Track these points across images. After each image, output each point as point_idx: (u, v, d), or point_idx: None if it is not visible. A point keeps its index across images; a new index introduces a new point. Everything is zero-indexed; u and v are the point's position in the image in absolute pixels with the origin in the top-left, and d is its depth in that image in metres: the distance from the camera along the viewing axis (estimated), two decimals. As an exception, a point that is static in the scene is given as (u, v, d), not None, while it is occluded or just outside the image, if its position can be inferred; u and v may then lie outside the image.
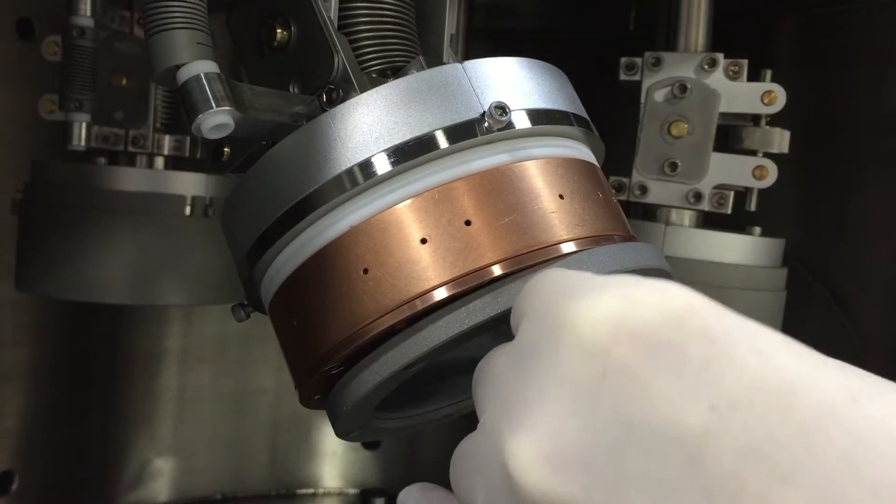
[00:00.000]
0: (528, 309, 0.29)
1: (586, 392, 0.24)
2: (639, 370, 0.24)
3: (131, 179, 0.81)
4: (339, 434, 0.38)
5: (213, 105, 0.35)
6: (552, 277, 0.29)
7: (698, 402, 0.22)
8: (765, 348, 0.23)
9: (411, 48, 0.45)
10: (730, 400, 0.22)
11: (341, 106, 0.36)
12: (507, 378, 0.28)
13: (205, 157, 0.86)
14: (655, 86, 0.77)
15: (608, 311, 0.25)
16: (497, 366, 0.29)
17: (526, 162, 0.36)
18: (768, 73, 0.75)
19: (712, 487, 0.21)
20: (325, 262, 0.35)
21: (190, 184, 0.82)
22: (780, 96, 0.74)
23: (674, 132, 0.76)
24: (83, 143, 0.77)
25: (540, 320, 0.27)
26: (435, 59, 0.47)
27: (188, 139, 0.85)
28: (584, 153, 0.39)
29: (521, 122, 0.36)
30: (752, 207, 0.76)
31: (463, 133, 0.35)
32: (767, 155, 0.76)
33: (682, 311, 0.24)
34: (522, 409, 0.26)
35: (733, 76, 0.75)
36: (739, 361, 0.23)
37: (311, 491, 1.21)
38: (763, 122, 0.76)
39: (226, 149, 0.42)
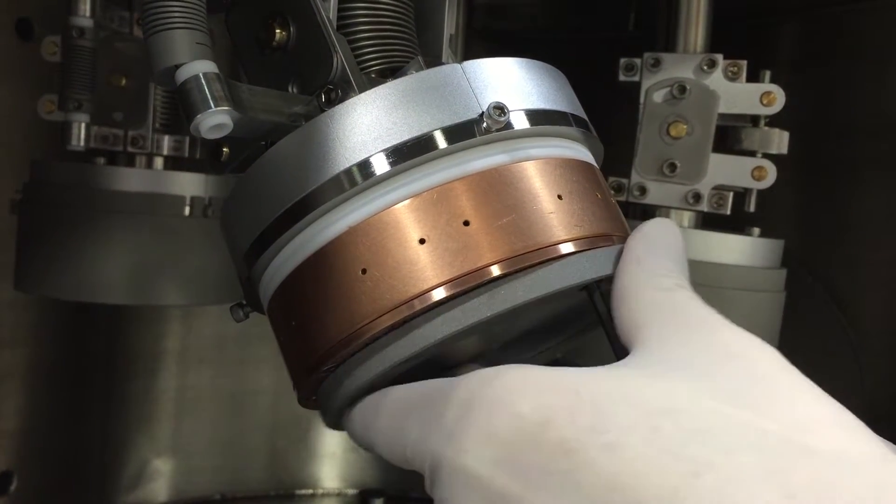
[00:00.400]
0: (414, 449, 0.32)
1: None
2: (517, 494, 0.27)
3: (130, 180, 0.80)
4: (328, 423, 0.38)
5: (212, 105, 0.35)
6: (414, 432, 0.32)
7: None
8: (614, 440, 0.26)
9: (410, 48, 0.45)
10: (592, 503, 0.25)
11: (340, 106, 0.36)
12: None
13: (204, 157, 0.86)
14: (655, 86, 0.77)
15: (485, 452, 0.28)
16: None
17: (524, 162, 0.36)
18: (767, 74, 0.75)
19: None
20: (323, 262, 0.35)
21: (189, 184, 0.82)
22: (779, 97, 0.74)
23: (673, 133, 0.76)
24: (82, 143, 0.77)
25: (434, 464, 0.30)
26: (434, 60, 0.47)
27: (187, 139, 0.85)
28: (583, 154, 0.39)
29: (520, 122, 0.36)
30: (752, 208, 0.76)
31: (461, 133, 0.35)
32: (766, 156, 0.76)
33: (538, 430, 0.27)
34: None
35: (732, 77, 0.75)
36: (591, 464, 0.26)
37: (311, 491, 1.21)
38: (762, 122, 0.76)
39: (224, 149, 0.42)
